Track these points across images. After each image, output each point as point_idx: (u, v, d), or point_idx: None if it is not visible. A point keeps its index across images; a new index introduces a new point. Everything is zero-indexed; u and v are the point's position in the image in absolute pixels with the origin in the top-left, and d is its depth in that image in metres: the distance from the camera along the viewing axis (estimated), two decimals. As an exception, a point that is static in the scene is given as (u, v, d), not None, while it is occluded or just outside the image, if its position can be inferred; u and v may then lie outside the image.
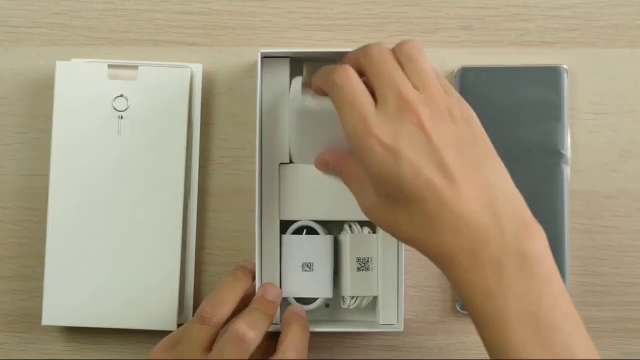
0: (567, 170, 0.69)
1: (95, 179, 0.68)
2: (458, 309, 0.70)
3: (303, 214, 0.68)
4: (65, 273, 0.68)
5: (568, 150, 0.69)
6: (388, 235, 0.68)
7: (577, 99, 0.71)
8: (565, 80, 0.70)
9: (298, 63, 0.70)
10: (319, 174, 0.66)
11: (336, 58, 0.62)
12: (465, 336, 0.70)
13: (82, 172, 0.68)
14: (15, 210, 0.71)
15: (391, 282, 0.68)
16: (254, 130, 0.68)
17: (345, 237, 0.68)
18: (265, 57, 0.68)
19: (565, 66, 0.70)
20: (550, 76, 0.70)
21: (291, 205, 0.68)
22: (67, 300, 0.68)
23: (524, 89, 0.70)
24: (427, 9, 0.71)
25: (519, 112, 0.69)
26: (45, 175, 0.69)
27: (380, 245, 0.68)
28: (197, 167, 0.70)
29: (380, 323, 0.67)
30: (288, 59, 0.69)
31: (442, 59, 0.71)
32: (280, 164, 0.69)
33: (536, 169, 0.69)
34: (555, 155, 0.69)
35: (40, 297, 0.68)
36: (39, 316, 0.68)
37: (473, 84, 0.70)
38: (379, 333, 0.70)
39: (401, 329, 0.67)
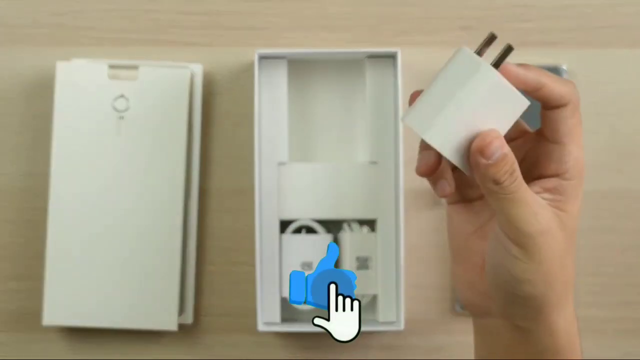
0: (567, 170, 0.69)
1: (95, 179, 0.68)
2: (458, 309, 0.70)
3: (302, 213, 0.69)
4: (66, 273, 0.68)
5: (568, 150, 0.69)
6: (387, 234, 0.68)
7: (577, 99, 0.70)
8: (565, 80, 0.70)
9: (296, 63, 0.70)
10: (317, 173, 0.66)
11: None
12: (465, 336, 0.70)
13: (82, 172, 0.68)
14: (15, 210, 0.71)
15: (390, 281, 0.68)
16: (253, 129, 0.68)
17: (345, 236, 0.68)
18: (262, 57, 0.68)
19: (565, 66, 0.70)
20: (550, 76, 0.70)
21: (290, 204, 0.69)
22: (67, 300, 0.68)
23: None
24: (427, 9, 0.71)
25: (519, 112, 0.69)
26: (45, 175, 0.69)
27: (380, 244, 0.68)
28: (197, 167, 0.70)
29: (380, 321, 0.67)
30: (285, 60, 0.69)
31: (442, 59, 0.71)
32: (279, 163, 0.69)
33: (536, 169, 0.69)
34: (555, 155, 0.69)
35: (40, 297, 0.68)
36: (39, 316, 0.68)
37: (473, 84, 0.70)
38: (379, 333, 0.70)
39: (401, 327, 0.67)
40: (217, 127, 0.71)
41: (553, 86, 0.50)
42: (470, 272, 0.54)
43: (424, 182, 0.70)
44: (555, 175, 0.51)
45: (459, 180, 0.54)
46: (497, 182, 0.48)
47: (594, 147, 0.71)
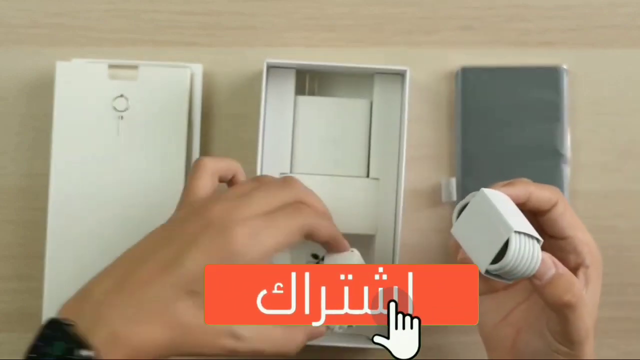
0: (567, 170, 0.69)
1: (95, 178, 0.68)
2: (458, 309, 0.70)
3: None
4: (65, 273, 0.68)
5: (568, 150, 0.69)
6: (383, 252, 0.68)
7: (577, 99, 0.71)
8: (565, 80, 0.70)
9: (301, 74, 0.70)
10: (317, 185, 0.66)
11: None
12: (464, 336, 0.70)
13: (82, 172, 0.68)
14: (15, 210, 0.71)
15: None
16: (254, 130, 0.68)
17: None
18: (271, 67, 0.68)
19: (565, 66, 0.70)
20: (550, 76, 0.70)
21: None
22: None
23: (524, 89, 0.70)
24: (427, 9, 0.71)
25: (519, 112, 0.69)
26: (45, 175, 0.69)
27: (376, 262, 0.68)
28: (197, 167, 0.70)
29: (371, 338, 0.67)
30: (294, 70, 0.69)
31: (442, 59, 0.71)
32: (281, 174, 0.68)
33: (536, 169, 0.69)
34: (555, 155, 0.69)
35: (40, 297, 0.68)
36: (39, 316, 0.68)
37: (473, 84, 0.70)
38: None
39: None
40: (217, 127, 0.71)
41: (539, 192, 0.56)
42: (502, 354, 0.59)
43: (424, 183, 0.71)
44: (577, 267, 0.56)
45: None
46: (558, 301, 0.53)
47: (594, 147, 0.71)
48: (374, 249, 0.68)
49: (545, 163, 0.69)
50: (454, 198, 0.69)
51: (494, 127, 0.70)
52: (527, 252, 0.52)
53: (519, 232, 0.52)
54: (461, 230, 0.55)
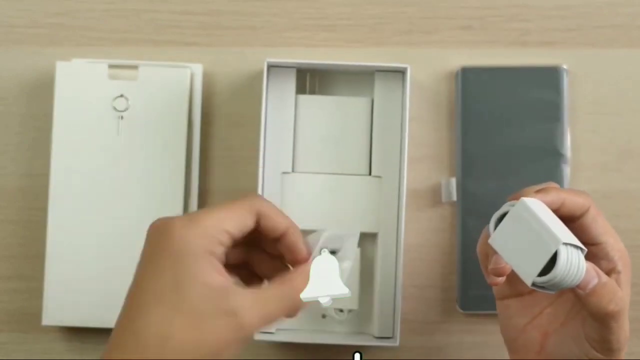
0: (567, 170, 0.69)
1: (95, 179, 0.68)
2: (458, 309, 0.70)
3: (303, 224, 0.68)
4: (65, 273, 0.68)
5: (568, 150, 0.69)
6: (387, 249, 0.68)
7: (577, 99, 0.71)
8: (565, 80, 0.70)
9: (302, 73, 0.70)
10: (320, 184, 0.66)
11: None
12: (465, 336, 0.70)
13: (82, 172, 0.68)
14: (15, 210, 0.71)
15: (388, 296, 0.67)
16: (254, 130, 0.68)
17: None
18: (271, 66, 0.68)
19: (565, 66, 0.70)
20: (550, 76, 0.70)
21: (291, 214, 0.68)
22: (67, 300, 0.68)
23: (524, 89, 0.70)
24: (427, 9, 0.71)
25: (519, 112, 0.69)
26: (45, 175, 0.69)
27: (379, 259, 0.68)
28: (197, 167, 0.70)
29: (376, 336, 0.67)
30: (295, 69, 0.69)
31: (442, 59, 0.71)
32: (283, 173, 0.68)
33: (536, 169, 0.69)
34: (555, 155, 0.69)
35: (40, 297, 0.68)
36: (39, 316, 0.68)
37: (473, 84, 0.70)
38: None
39: (397, 343, 0.66)
40: (217, 127, 0.71)
41: (572, 198, 0.55)
42: (528, 357, 0.58)
43: (424, 183, 0.71)
44: (609, 273, 0.55)
45: (510, 275, 0.56)
46: (600, 311, 0.53)
47: (594, 147, 0.71)
48: (377, 247, 0.68)
49: (545, 163, 0.69)
50: (454, 198, 0.69)
51: (494, 127, 0.70)
52: (574, 263, 0.52)
53: (566, 244, 0.52)
54: (500, 240, 0.54)
